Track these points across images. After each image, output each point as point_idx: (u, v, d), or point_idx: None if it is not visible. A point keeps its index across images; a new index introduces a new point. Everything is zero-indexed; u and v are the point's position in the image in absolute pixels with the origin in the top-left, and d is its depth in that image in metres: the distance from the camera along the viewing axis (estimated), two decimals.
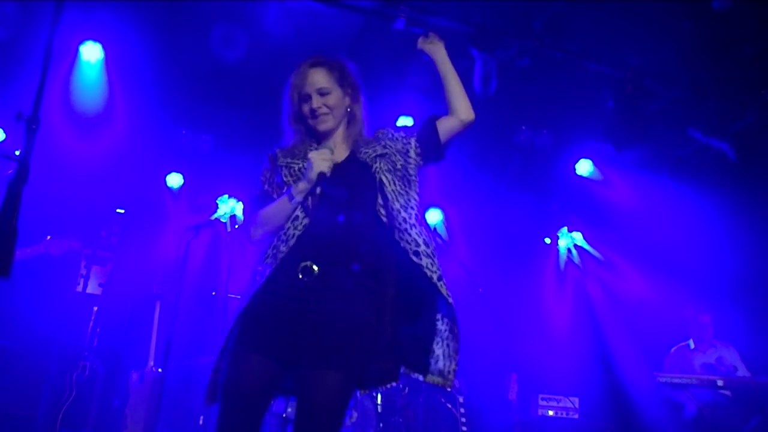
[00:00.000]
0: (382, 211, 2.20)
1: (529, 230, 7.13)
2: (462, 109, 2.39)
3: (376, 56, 5.01)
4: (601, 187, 6.49)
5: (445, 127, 2.37)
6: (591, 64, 4.97)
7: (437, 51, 2.51)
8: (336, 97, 2.28)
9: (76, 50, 5.15)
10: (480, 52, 4.65)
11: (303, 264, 2.08)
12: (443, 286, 2.17)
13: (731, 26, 4.33)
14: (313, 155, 2.17)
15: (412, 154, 2.32)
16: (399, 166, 2.28)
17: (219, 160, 6.23)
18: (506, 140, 6.08)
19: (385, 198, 2.21)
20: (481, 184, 6.60)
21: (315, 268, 2.08)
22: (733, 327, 5.49)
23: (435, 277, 2.17)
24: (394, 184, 2.24)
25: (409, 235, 2.19)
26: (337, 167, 2.20)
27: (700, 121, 5.33)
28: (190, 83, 5.49)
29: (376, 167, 2.24)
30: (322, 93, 2.25)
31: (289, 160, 2.27)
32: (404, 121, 5.80)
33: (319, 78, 2.26)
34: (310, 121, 2.28)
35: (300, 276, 2.08)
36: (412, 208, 2.24)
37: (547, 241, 7.34)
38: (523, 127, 5.95)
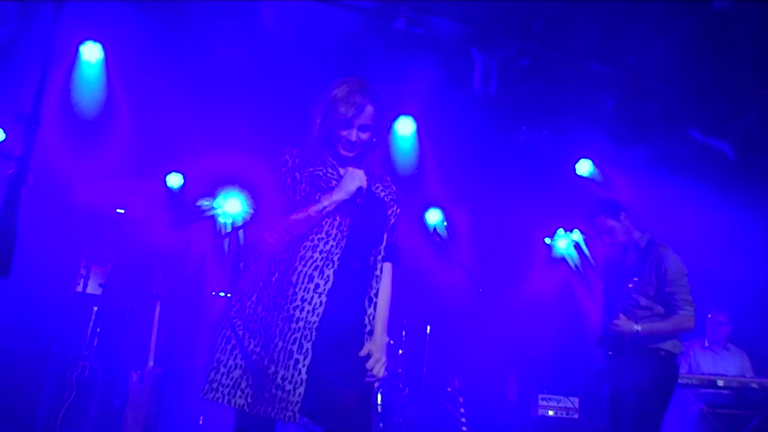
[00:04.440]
0: (379, 254, 2.32)
1: (529, 230, 7.12)
2: None
3: (376, 56, 5.01)
4: (601, 187, 6.49)
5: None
6: (591, 64, 4.96)
7: None
8: (370, 134, 2.35)
9: (76, 50, 5.15)
10: (480, 52, 4.65)
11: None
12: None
13: (731, 26, 4.32)
14: (351, 170, 2.27)
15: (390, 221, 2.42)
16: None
17: (219, 160, 6.22)
18: (506, 140, 6.08)
19: (381, 243, 2.33)
20: (481, 184, 6.60)
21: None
22: (738, 328, 5.48)
23: (369, 328, 2.28)
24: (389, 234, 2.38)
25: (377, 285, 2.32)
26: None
27: (700, 121, 5.33)
28: (190, 83, 5.49)
29: (393, 212, 2.38)
30: (363, 129, 2.32)
31: (310, 169, 2.30)
32: (404, 121, 5.80)
33: (368, 113, 2.30)
34: (343, 149, 2.32)
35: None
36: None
37: (547, 241, 7.34)
38: (523, 127, 5.94)
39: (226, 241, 6.16)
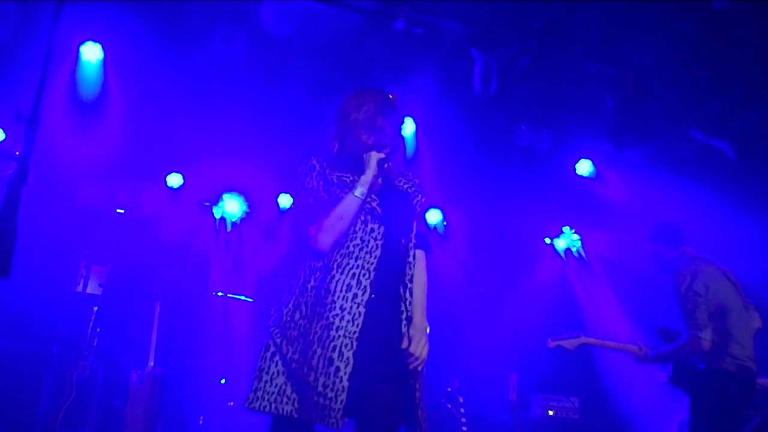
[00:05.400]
0: (410, 242, 2.34)
1: (529, 230, 7.13)
2: None
3: (376, 56, 5.01)
4: (601, 187, 6.49)
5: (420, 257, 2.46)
6: (591, 64, 4.96)
7: None
8: (390, 148, 2.40)
9: (76, 50, 5.15)
10: (480, 52, 4.65)
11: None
12: (405, 325, 2.29)
13: (731, 26, 4.32)
14: (364, 155, 2.31)
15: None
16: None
17: (219, 160, 6.23)
18: (506, 140, 6.08)
19: (412, 231, 2.36)
20: (481, 184, 6.60)
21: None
22: None
23: (407, 314, 2.29)
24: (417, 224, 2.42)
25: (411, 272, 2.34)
26: (377, 189, 2.33)
27: (700, 121, 5.33)
28: (190, 83, 5.49)
29: (417, 201, 2.42)
30: (383, 148, 2.36)
31: (338, 173, 2.34)
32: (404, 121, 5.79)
33: (388, 134, 2.40)
34: (378, 152, 2.35)
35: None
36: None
37: (547, 241, 7.34)
38: (523, 127, 5.94)
39: (226, 242, 6.16)
